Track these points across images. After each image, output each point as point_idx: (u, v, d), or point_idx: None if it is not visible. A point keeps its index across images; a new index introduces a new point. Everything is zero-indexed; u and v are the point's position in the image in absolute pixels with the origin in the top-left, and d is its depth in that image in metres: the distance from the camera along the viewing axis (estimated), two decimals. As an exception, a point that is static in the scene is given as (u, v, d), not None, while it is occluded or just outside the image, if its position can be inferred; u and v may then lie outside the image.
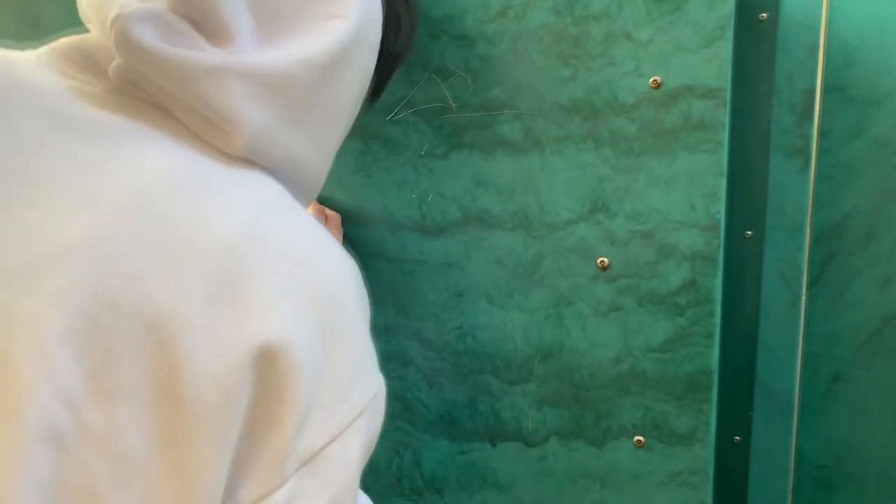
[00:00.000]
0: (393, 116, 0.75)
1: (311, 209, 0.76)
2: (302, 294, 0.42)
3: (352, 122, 0.58)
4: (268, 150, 0.47)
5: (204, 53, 0.44)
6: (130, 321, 0.37)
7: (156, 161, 0.42)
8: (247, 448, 0.40)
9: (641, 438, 0.67)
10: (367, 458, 0.47)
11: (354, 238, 0.78)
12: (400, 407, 0.77)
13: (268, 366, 0.40)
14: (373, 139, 0.76)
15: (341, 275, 0.47)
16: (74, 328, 0.35)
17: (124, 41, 0.42)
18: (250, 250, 0.41)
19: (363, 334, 0.49)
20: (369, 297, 0.78)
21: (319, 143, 0.53)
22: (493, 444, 0.73)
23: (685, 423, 0.66)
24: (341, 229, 0.78)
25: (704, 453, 0.66)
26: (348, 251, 0.76)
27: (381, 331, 0.77)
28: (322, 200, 0.79)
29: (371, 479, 0.79)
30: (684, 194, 0.65)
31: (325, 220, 0.77)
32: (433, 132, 0.73)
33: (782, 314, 0.91)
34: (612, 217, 0.67)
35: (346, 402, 0.44)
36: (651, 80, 0.65)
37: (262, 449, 0.40)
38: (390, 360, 0.77)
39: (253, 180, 0.46)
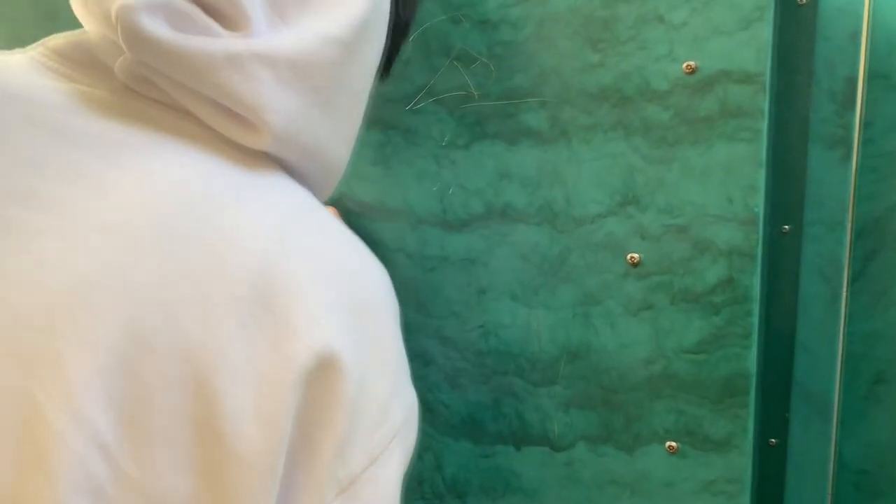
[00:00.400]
0: (413, 106, 0.72)
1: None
2: (343, 305, 0.40)
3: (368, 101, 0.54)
4: (297, 139, 0.44)
5: (222, 40, 0.40)
6: (162, 357, 0.34)
7: (175, 173, 0.39)
8: (288, 475, 0.37)
9: (674, 444, 0.64)
10: (405, 474, 0.45)
11: (374, 233, 0.75)
12: (421, 408, 0.74)
13: (316, 382, 0.37)
14: (392, 130, 0.73)
15: (378, 281, 0.45)
16: (104, 369, 0.33)
17: (133, 33, 0.38)
18: (283, 265, 0.38)
19: (400, 345, 0.46)
20: (389, 294, 0.76)
21: (345, 126, 0.50)
22: (518, 448, 0.70)
23: (721, 428, 0.63)
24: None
25: (742, 461, 0.62)
26: (369, 247, 0.74)
27: (402, 329, 0.74)
28: (340, 195, 0.76)
29: (390, 482, 0.76)
30: (721, 186, 0.61)
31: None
32: (455, 122, 0.70)
33: (821, 312, 0.86)
34: (644, 210, 0.64)
35: (386, 421, 0.42)
36: (685, 64, 0.61)
37: (303, 475, 0.38)
38: (411, 360, 0.74)
39: (279, 186, 0.43)
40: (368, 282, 0.44)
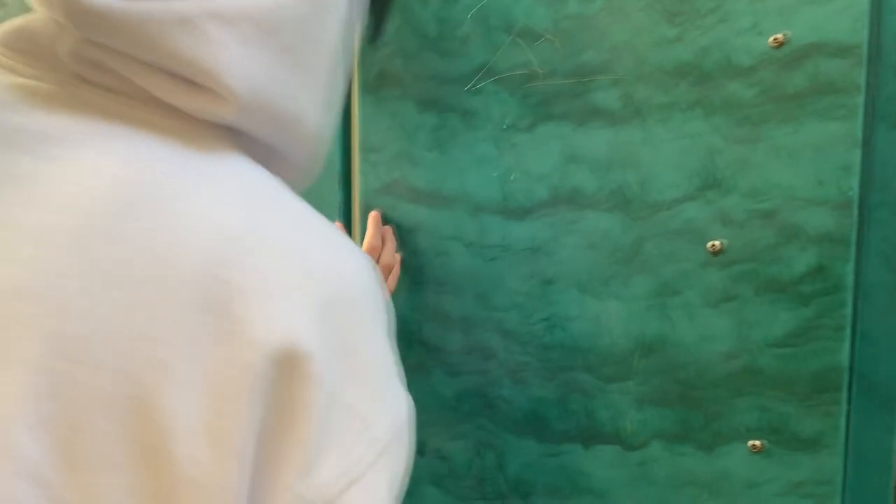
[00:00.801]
0: (472, 86, 0.68)
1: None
2: (310, 304, 0.35)
3: (347, 61, 0.48)
4: (266, 107, 0.39)
5: (172, 2, 0.35)
6: (99, 374, 0.31)
7: (117, 167, 0.34)
8: (252, 499, 0.33)
9: (758, 443, 0.60)
10: (398, 497, 0.40)
11: (429, 222, 0.71)
12: (481, 404, 0.71)
13: (278, 391, 0.33)
14: (449, 112, 0.69)
15: (355, 276, 0.39)
16: (36, 392, 0.30)
17: (75, 6, 0.34)
18: (237, 265, 0.33)
19: (385, 348, 0.41)
20: (446, 284, 0.72)
21: (320, 89, 0.44)
22: (587, 447, 0.67)
23: (810, 426, 0.59)
24: (395, 279, 0.72)
25: (833, 461, 0.59)
26: (424, 236, 0.70)
27: (460, 322, 0.71)
28: (393, 182, 0.72)
29: (450, 480, 0.73)
30: (811, 167, 0.57)
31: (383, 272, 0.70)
32: (517, 103, 0.66)
33: (885, 300, 0.82)
34: (726, 194, 0.60)
35: (368, 433, 0.37)
36: (772, 37, 0.57)
37: (268, 497, 0.33)
38: (470, 354, 0.71)
39: (239, 173, 0.38)
40: (343, 278, 0.38)
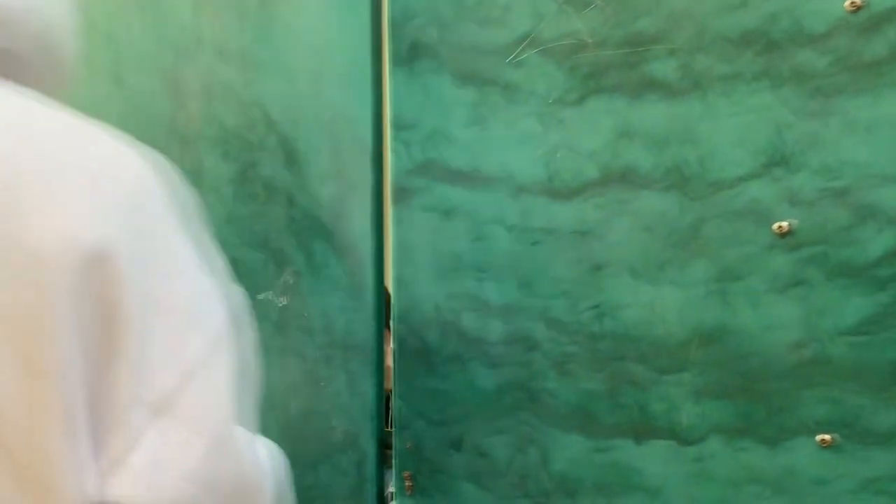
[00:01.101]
0: (514, 58, 0.63)
1: None
2: (104, 202, 0.36)
3: None
4: (14, 21, 0.40)
5: None
6: None
7: None
8: (91, 405, 0.34)
9: (827, 437, 0.56)
10: (240, 388, 0.40)
11: (468, 204, 0.67)
12: (524, 397, 0.67)
13: (90, 284, 0.34)
14: (489, 86, 0.64)
15: (140, 175, 0.39)
16: None
17: None
18: (20, 173, 0.34)
19: (187, 241, 0.41)
20: (487, 270, 0.68)
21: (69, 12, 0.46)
22: (638, 442, 0.63)
23: (885, 419, 0.55)
24: None
25: (910, 456, 0.55)
26: (462, 220, 0.66)
27: (501, 311, 0.66)
28: (428, 162, 0.68)
29: (489, 477, 0.69)
30: (889, 143, 0.53)
31: None
32: (565, 75, 0.62)
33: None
34: (795, 172, 0.55)
35: (198, 329, 0.38)
36: (849, 1, 0.53)
37: (105, 402, 0.34)
38: (512, 345, 0.66)
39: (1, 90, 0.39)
40: (129, 179, 0.38)
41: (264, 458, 0.45)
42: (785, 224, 0.56)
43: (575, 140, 0.62)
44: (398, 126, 0.69)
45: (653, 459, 0.62)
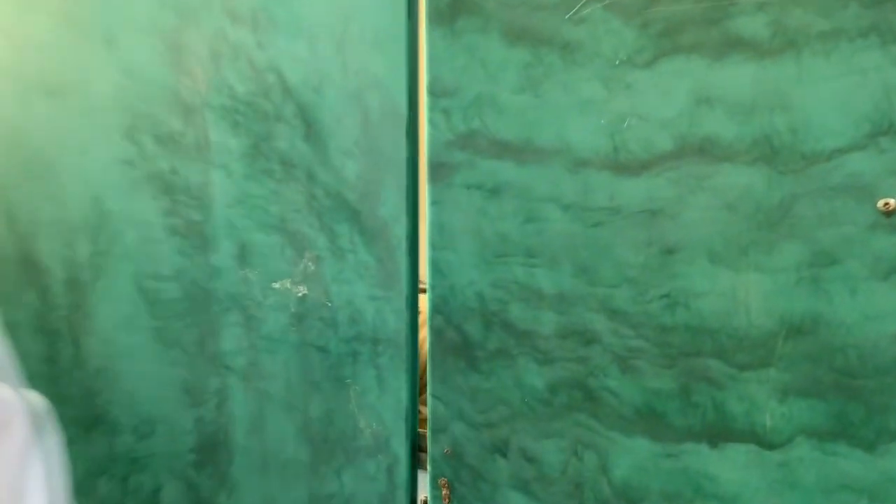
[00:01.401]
0: (574, 13, 0.56)
1: None
2: None
3: None
4: None
5: None
6: None
7: None
8: None
9: (934, 441, 0.50)
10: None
11: (518, 181, 0.59)
12: (580, 396, 0.60)
13: None
14: (544, 46, 0.57)
15: None
16: None
17: None
18: None
19: None
20: (539, 255, 0.61)
21: None
22: (714, 445, 0.56)
23: None
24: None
25: None
26: (510, 198, 0.58)
27: (555, 300, 0.59)
28: (471, 133, 0.60)
29: (539, 485, 0.62)
30: None
31: None
32: (634, 33, 0.54)
33: None
34: (904, 142, 0.49)
35: None
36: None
37: None
38: (567, 338, 0.59)
39: None
40: None
41: None
42: (892, 201, 0.49)
43: (646, 107, 0.55)
44: (436, 93, 0.61)
45: (730, 465, 0.56)
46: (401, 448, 0.68)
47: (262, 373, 0.73)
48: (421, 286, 0.67)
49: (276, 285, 0.70)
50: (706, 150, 0.53)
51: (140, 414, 0.78)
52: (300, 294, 0.70)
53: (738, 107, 0.52)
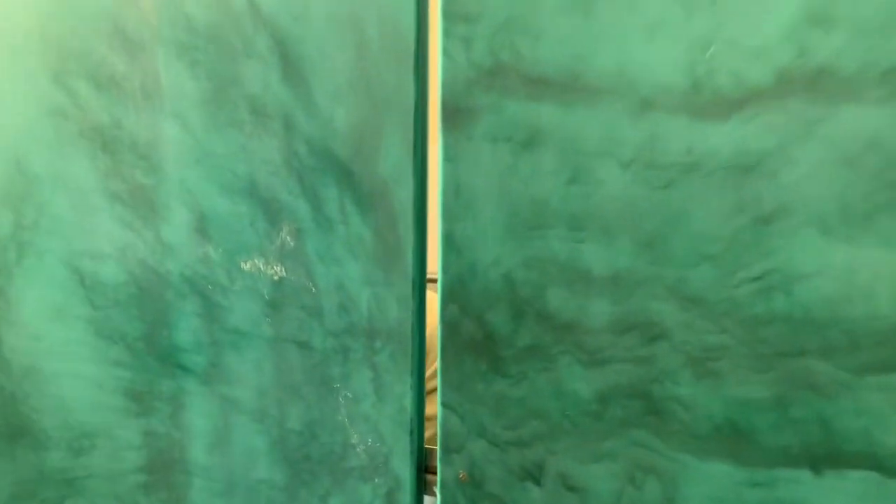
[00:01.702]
0: None
1: None
2: None
3: None
4: None
5: None
6: None
7: None
8: None
9: None
10: None
11: (560, 128, 0.46)
12: (639, 408, 0.47)
13: None
14: (604, -52, 0.43)
15: None
16: None
17: None
18: None
19: None
20: (587, 226, 0.47)
21: None
22: (818, 473, 0.43)
23: None
24: None
25: None
26: (550, 150, 0.45)
27: (609, 284, 0.46)
28: (498, 67, 0.46)
29: (583, 521, 0.49)
30: None
31: None
32: (726, -72, 0.41)
33: None
34: None
35: None
36: None
37: None
38: (624, 333, 0.46)
39: None
40: None
41: None
42: None
43: (735, 28, 0.41)
44: (452, 15, 0.47)
45: (840, 498, 0.43)
46: (403, 469, 0.54)
47: (228, 375, 0.59)
48: (430, 269, 0.53)
49: (246, 266, 0.56)
50: (819, 86, 0.40)
51: (75, 425, 0.64)
52: (276, 276, 0.55)
53: (863, 27, 0.39)
